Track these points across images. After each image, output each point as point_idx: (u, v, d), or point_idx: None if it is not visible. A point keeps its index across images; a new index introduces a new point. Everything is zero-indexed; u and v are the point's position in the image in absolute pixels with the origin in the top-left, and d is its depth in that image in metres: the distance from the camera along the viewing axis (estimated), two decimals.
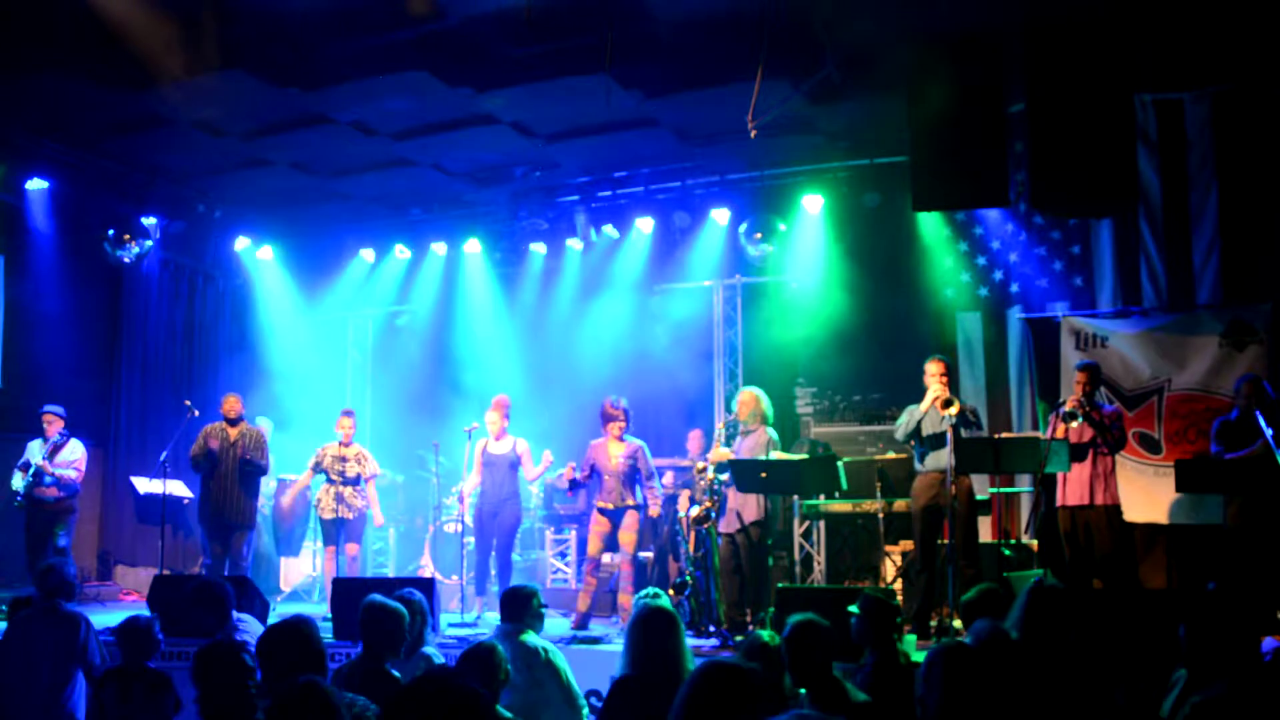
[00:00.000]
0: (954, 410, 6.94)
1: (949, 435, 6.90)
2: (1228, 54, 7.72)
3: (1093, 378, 7.16)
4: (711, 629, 7.29)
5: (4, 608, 7.02)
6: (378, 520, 9.17)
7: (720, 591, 7.49)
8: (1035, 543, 7.90)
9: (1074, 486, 7.09)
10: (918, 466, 7.27)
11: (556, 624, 8.24)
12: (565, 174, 10.53)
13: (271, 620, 5.39)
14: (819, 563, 8.87)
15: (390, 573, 10.33)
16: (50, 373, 9.81)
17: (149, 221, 10.37)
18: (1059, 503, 7.20)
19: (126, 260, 10.19)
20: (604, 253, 10.90)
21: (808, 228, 10.05)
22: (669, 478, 9.50)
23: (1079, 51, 6.80)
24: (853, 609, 4.28)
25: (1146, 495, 8.05)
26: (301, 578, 10.23)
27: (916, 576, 7.27)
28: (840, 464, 7.16)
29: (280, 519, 10.26)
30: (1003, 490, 8.67)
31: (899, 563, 8.01)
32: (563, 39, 7.41)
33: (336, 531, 8.70)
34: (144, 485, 9.60)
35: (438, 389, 11.38)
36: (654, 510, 7.99)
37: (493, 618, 6.89)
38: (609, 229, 10.69)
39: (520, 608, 4.91)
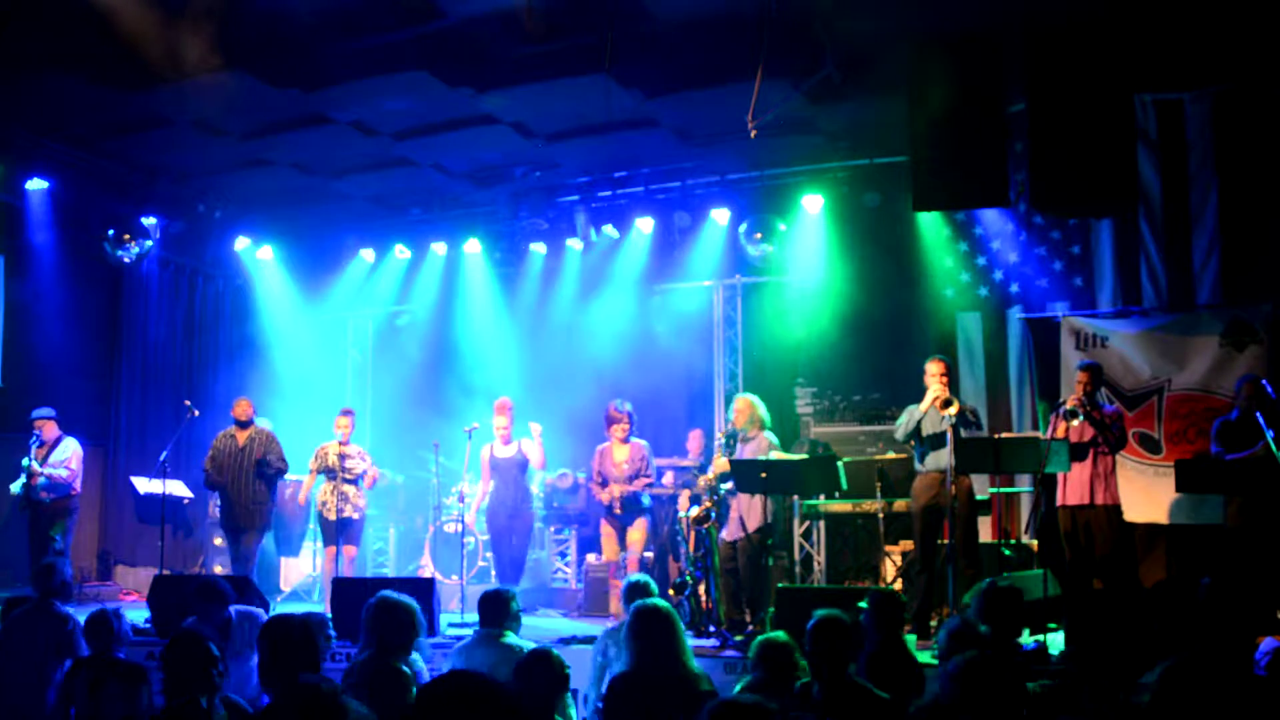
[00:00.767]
0: (953, 410, 6.94)
1: (949, 435, 6.90)
2: (1228, 54, 7.72)
3: (1094, 377, 7.15)
4: (711, 629, 7.29)
5: None
6: (372, 473, 9.08)
7: (720, 591, 7.49)
8: (1035, 543, 7.90)
9: (1074, 486, 7.09)
10: (918, 466, 7.26)
11: (557, 623, 8.25)
12: (565, 174, 10.53)
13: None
14: (819, 563, 8.87)
15: (390, 573, 10.33)
16: (50, 373, 9.81)
17: (149, 221, 10.36)
18: (1059, 502, 7.19)
19: (126, 260, 10.19)
20: (604, 253, 10.89)
21: (808, 228, 10.04)
22: (668, 477, 9.51)
23: (1079, 51, 6.81)
24: (862, 605, 4.38)
25: (1146, 495, 8.05)
26: (301, 578, 10.23)
27: (916, 576, 7.26)
28: (840, 464, 7.16)
29: (286, 519, 10.26)
30: (1003, 490, 8.67)
31: (899, 563, 8.01)
32: (563, 39, 7.41)
33: (338, 531, 8.72)
34: (144, 485, 9.61)
35: (438, 389, 11.38)
36: (637, 484, 8.04)
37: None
38: (609, 229, 10.69)
39: (500, 611, 4.92)
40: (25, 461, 8.59)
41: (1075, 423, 6.98)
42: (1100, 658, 3.95)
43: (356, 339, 12.56)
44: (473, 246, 11.33)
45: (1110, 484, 7.07)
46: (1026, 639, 5.91)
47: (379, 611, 4.29)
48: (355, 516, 8.73)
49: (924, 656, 6.20)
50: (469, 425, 8.76)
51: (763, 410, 7.72)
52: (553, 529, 10.10)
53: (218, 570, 9.55)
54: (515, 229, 11.07)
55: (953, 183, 7.22)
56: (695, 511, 7.62)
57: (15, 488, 8.60)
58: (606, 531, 8.16)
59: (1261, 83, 7.99)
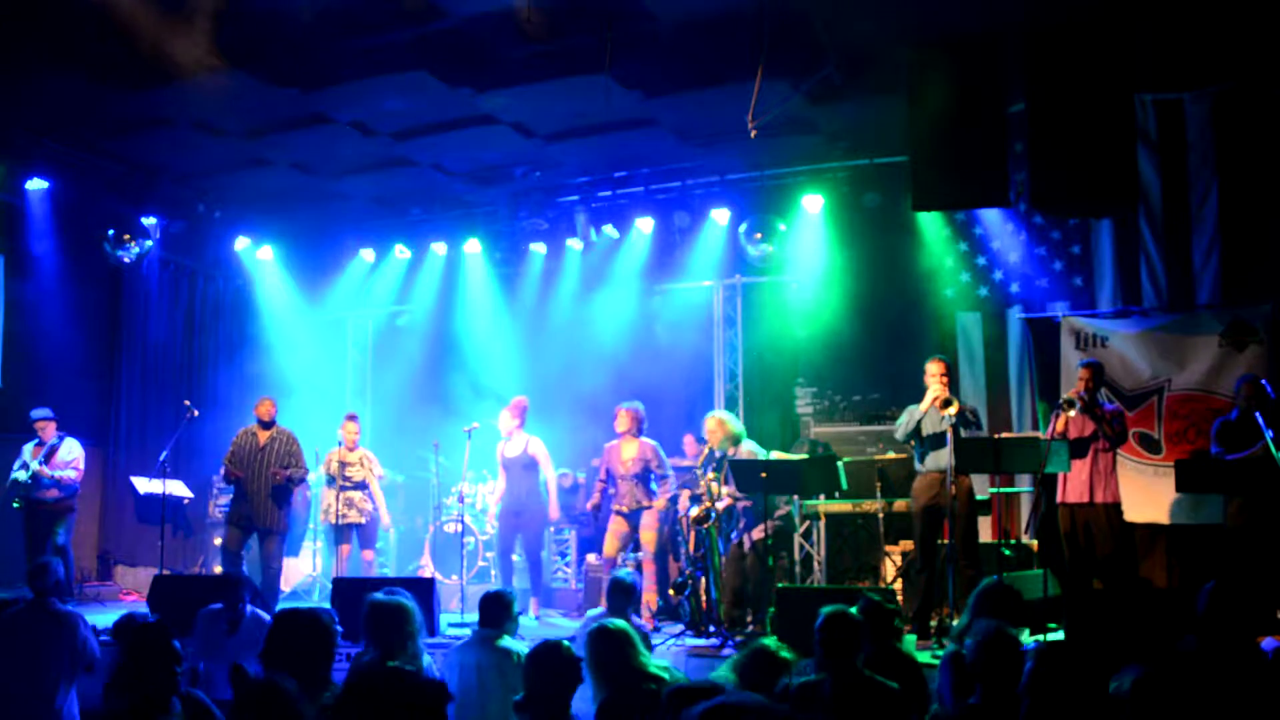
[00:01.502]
0: (953, 410, 6.94)
1: (949, 435, 6.90)
2: (1228, 54, 7.72)
3: (1096, 375, 7.15)
4: (711, 629, 7.29)
5: None
6: (385, 521, 9.17)
7: (720, 591, 7.50)
8: (1035, 543, 7.90)
9: (1074, 484, 7.08)
10: (918, 466, 7.26)
11: (557, 623, 8.25)
12: (565, 174, 10.54)
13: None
14: (819, 563, 8.87)
15: (390, 573, 10.33)
16: (50, 373, 9.82)
17: (149, 221, 10.37)
18: (1059, 499, 7.19)
19: (126, 260, 10.18)
20: (604, 253, 10.89)
21: (808, 228, 10.05)
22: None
23: (1079, 51, 6.81)
24: (853, 610, 4.33)
25: (1146, 495, 8.04)
26: (301, 577, 10.23)
27: (916, 576, 7.26)
28: (840, 464, 7.16)
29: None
30: (1003, 490, 8.66)
31: (899, 563, 8.01)
32: (563, 39, 7.41)
33: (345, 534, 8.73)
34: (144, 485, 9.61)
35: (438, 389, 11.39)
36: (660, 502, 8.01)
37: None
38: (609, 229, 10.69)
39: (501, 613, 4.91)
40: (23, 471, 8.55)
41: (1073, 413, 6.96)
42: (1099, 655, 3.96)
43: (356, 339, 12.56)
44: (473, 246, 11.33)
45: (1110, 482, 7.06)
46: (1026, 639, 5.91)
47: (368, 616, 4.24)
48: (362, 521, 8.73)
49: (924, 656, 6.22)
50: (469, 425, 8.77)
51: (735, 425, 7.72)
52: (552, 529, 10.10)
53: (218, 571, 9.55)
54: (515, 229, 11.08)
55: (953, 183, 7.22)
56: (695, 511, 7.62)
57: (23, 476, 8.54)
58: (615, 528, 8.06)
59: (1261, 83, 7.99)
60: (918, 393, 7.27)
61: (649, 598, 7.86)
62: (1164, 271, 8.54)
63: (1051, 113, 6.87)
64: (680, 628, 7.63)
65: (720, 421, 7.69)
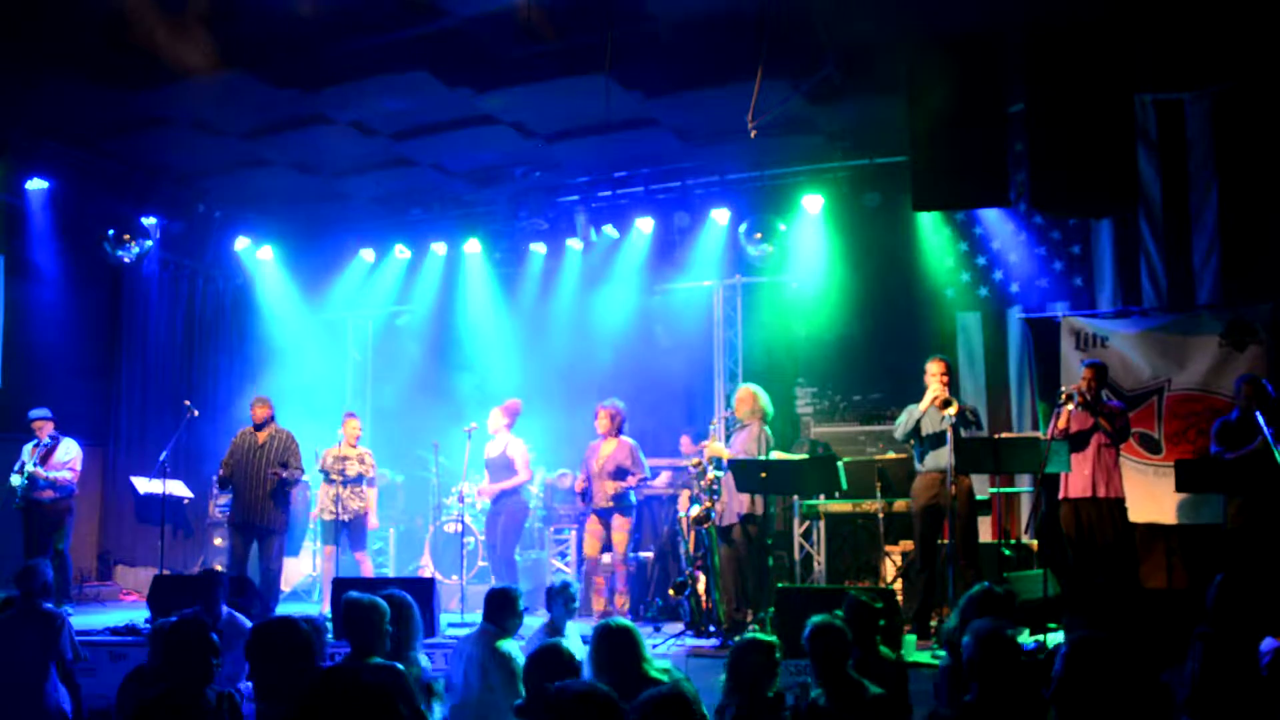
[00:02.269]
0: (952, 410, 6.94)
1: (948, 435, 6.90)
2: (1228, 54, 7.73)
3: (1099, 375, 7.16)
4: (711, 629, 7.29)
5: None
6: (372, 523, 9.10)
7: (720, 591, 7.49)
8: (1035, 543, 7.90)
9: (1077, 480, 7.08)
10: (917, 466, 7.26)
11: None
12: (565, 174, 10.54)
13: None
14: (819, 563, 8.87)
15: (390, 573, 10.32)
16: (50, 373, 9.81)
17: (149, 221, 10.36)
18: (1061, 495, 7.19)
19: (126, 260, 10.17)
20: (604, 253, 10.89)
21: (808, 228, 10.05)
22: (665, 478, 9.52)
23: (1079, 51, 6.80)
24: (838, 612, 4.36)
25: (1147, 495, 8.04)
26: (301, 577, 10.24)
27: (916, 576, 7.26)
28: (840, 464, 7.16)
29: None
30: (1003, 490, 8.67)
31: (899, 563, 8.01)
32: (563, 39, 7.42)
33: (335, 532, 8.68)
34: (144, 485, 9.60)
35: (438, 389, 11.38)
36: (631, 480, 8.07)
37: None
38: (609, 229, 10.69)
39: (506, 610, 4.92)
40: (22, 473, 8.54)
41: (1071, 407, 6.97)
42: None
43: (357, 339, 12.56)
44: (473, 246, 11.33)
45: (1114, 478, 7.07)
46: (1026, 639, 5.91)
47: (343, 614, 4.15)
48: (346, 519, 8.55)
49: (923, 656, 6.22)
50: (468, 425, 8.77)
51: (764, 401, 7.60)
52: (552, 529, 10.10)
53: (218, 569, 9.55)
54: (515, 229, 11.07)
55: (953, 183, 7.21)
56: (695, 511, 7.62)
57: (16, 481, 8.55)
58: (592, 528, 8.23)
59: (1261, 83, 8.00)
60: (918, 393, 7.27)
61: (620, 600, 8.05)
62: (1164, 271, 8.54)
63: (1051, 113, 6.86)
64: (680, 628, 7.64)
65: (751, 393, 7.61)
